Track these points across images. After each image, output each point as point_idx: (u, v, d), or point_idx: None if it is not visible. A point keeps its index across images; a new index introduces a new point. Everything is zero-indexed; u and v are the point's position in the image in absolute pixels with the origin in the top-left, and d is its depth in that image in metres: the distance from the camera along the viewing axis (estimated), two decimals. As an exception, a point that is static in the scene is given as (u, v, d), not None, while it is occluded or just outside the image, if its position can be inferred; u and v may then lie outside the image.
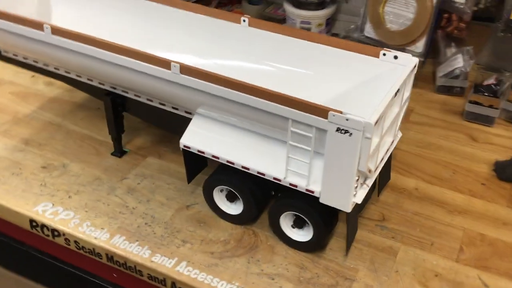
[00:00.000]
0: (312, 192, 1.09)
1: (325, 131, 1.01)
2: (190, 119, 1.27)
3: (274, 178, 1.13)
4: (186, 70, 1.10)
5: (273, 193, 1.27)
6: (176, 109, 1.29)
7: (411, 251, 1.22)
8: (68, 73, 1.40)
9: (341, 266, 1.18)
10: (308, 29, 1.93)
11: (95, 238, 1.22)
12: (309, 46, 1.27)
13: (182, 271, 1.15)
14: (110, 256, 1.21)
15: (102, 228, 1.24)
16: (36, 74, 1.79)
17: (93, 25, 1.45)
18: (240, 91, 1.05)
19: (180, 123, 1.30)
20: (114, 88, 1.35)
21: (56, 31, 1.21)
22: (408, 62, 1.17)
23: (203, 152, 1.19)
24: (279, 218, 1.19)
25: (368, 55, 1.22)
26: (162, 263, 1.17)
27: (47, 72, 1.46)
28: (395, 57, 1.19)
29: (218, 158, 1.18)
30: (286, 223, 1.20)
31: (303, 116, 1.01)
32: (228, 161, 1.17)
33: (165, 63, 1.11)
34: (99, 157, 1.46)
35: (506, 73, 1.74)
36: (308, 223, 1.17)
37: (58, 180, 1.37)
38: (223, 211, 1.27)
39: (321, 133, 1.02)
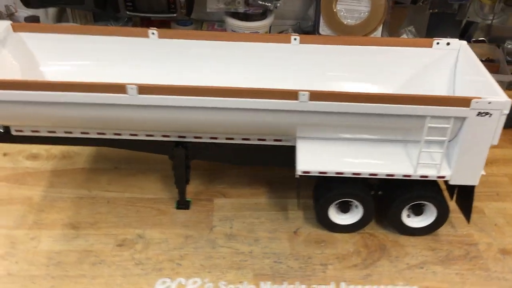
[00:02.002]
0: (443, 177, 1.20)
1: (463, 118, 1.11)
2: (278, 147, 1.26)
3: (404, 176, 1.20)
4: (316, 96, 1.09)
5: (373, 192, 1.33)
6: (263, 140, 1.26)
7: (490, 204, 1.41)
8: (119, 134, 1.24)
9: (458, 236, 1.31)
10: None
11: (243, 294, 1.14)
12: (365, 50, 1.35)
13: (347, 291, 1.16)
14: (266, 306, 1.15)
15: (240, 282, 1.16)
16: (8, 151, 1.51)
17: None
18: (375, 102, 1.09)
19: (267, 154, 1.27)
20: (183, 137, 1.25)
21: (144, 89, 1.07)
22: (459, 46, 1.34)
23: (325, 173, 1.20)
24: (401, 212, 1.27)
25: (421, 46, 1.35)
26: (325, 291, 1.16)
27: (79, 141, 1.26)
28: (448, 44, 1.34)
29: (342, 173, 1.20)
30: (404, 215, 1.28)
31: (443, 110, 1.10)
32: (354, 173, 1.20)
33: (292, 94, 1.09)
34: (167, 216, 1.32)
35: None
36: (425, 209, 1.27)
37: (149, 253, 1.22)
38: (338, 224, 1.29)
39: (457, 121, 1.13)
